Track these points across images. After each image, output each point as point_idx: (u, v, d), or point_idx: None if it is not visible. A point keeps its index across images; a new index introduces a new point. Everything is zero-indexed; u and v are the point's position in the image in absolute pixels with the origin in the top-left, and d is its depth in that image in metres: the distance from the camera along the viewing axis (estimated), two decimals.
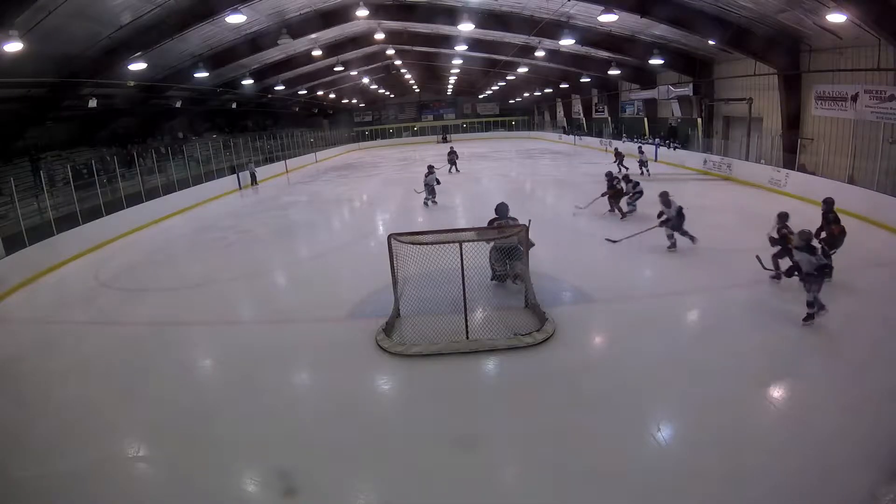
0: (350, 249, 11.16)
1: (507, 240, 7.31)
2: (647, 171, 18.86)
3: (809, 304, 6.23)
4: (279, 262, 10.73)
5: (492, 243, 7.62)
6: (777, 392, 4.98)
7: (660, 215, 9.28)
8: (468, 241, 6.52)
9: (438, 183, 15.04)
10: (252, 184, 23.31)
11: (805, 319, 6.18)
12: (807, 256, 6.25)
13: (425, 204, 14.82)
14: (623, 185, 12.33)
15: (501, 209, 7.90)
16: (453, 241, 6.29)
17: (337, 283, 8.82)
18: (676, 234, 9.20)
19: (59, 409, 5.34)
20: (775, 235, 7.45)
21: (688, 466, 4.01)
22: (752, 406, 4.71)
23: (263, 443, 4.60)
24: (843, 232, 7.54)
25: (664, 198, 9.22)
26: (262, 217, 15.74)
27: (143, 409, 5.27)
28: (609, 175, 12.56)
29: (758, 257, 7.03)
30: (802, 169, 13.98)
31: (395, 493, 3.96)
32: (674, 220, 9.08)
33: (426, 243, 6.44)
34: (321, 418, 4.94)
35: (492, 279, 7.84)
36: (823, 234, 7.51)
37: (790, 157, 14.46)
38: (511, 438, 4.51)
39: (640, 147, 20.91)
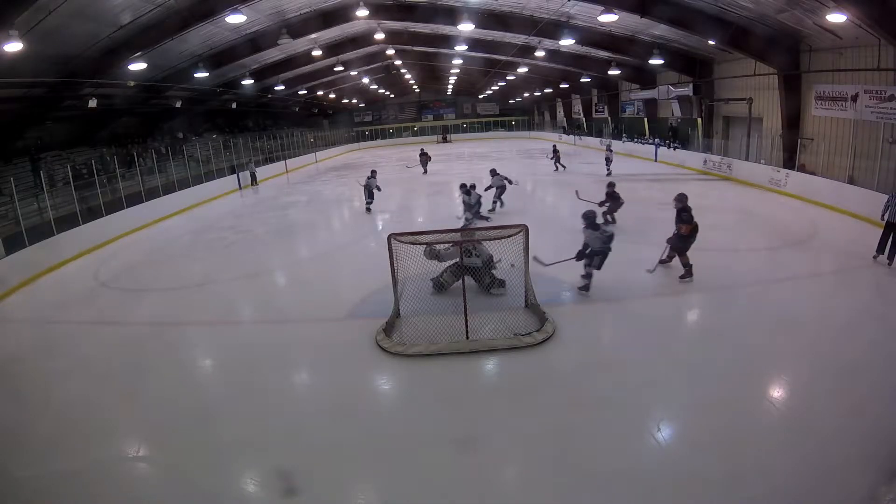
0: (350, 249, 11.16)
1: (474, 259, 7.18)
2: (610, 170, 18.82)
3: (588, 276, 7.01)
4: (279, 262, 10.73)
5: (453, 260, 7.42)
6: (777, 392, 4.99)
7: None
8: (468, 241, 6.54)
9: (379, 189, 14.80)
10: (252, 184, 23.31)
11: (581, 289, 7.24)
12: (593, 233, 6.86)
13: (367, 210, 14.59)
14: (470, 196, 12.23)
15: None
16: (453, 242, 6.30)
17: (337, 283, 8.82)
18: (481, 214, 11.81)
19: (59, 409, 5.34)
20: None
21: (688, 466, 4.00)
22: (752, 406, 4.71)
23: (263, 443, 4.60)
24: (694, 230, 7.61)
25: (467, 188, 11.60)
26: (262, 217, 15.74)
27: (143, 409, 5.28)
28: (463, 186, 12.34)
29: (535, 257, 7.07)
30: (802, 169, 13.98)
31: (395, 493, 3.96)
32: (475, 207, 11.60)
33: (426, 243, 6.46)
34: (321, 418, 4.93)
35: (434, 285, 7.55)
36: (676, 232, 7.66)
37: (790, 156, 14.46)
38: (511, 438, 4.50)
39: (608, 146, 20.70)
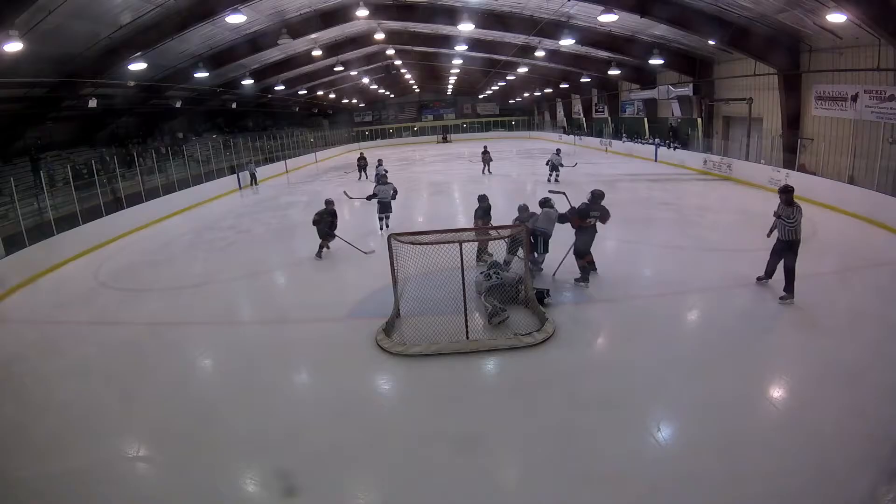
0: (350, 249, 11.15)
1: (506, 274, 6.99)
2: (555, 178, 17.68)
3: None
4: (279, 262, 10.73)
5: (489, 281, 7.00)
6: (777, 392, 4.99)
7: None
8: (468, 240, 6.52)
9: (387, 172, 15.65)
10: (252, 184, 23.30)
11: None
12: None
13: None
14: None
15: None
16: (453, 241, 6.30)
17: (337, 283, 8.82)
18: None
19: (59, 409, 5.34)
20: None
21: (687, 466, 4.00)
22: (752, 406, 4.70)
23: (263, 443, 4.60)
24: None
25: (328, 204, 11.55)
26: (262, 217, 15.73)
27: (143, 409, 5.27)
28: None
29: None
30: (802, 169, 13.98)
31: (395, 493, 3.96)
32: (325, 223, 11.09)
33: (426, 243, 6.45)
34: (321, 418, 4.94)
35: (492, 320, 6.56)
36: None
37: (790, 157, 14.46)
38: (511, 438, 4.51)
39: (557, 149, 19.61)
